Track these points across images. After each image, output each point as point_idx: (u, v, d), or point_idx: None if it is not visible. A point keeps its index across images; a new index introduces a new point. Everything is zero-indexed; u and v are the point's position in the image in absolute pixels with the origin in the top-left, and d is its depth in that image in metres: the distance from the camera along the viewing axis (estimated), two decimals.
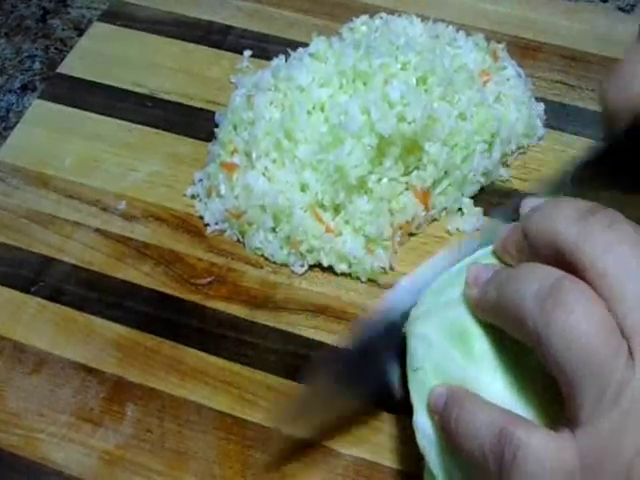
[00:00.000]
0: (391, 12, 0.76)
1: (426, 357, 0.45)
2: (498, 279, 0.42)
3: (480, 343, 0.43)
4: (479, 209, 0.67)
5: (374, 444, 0.56)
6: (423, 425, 0.44)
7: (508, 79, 0.72)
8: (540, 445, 0.36)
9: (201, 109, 0.75)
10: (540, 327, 0.37)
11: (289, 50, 0.74)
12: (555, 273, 0.38)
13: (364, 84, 0.65)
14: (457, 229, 0.66)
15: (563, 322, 0.36)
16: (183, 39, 0.81)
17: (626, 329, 0.35)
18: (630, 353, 0.35)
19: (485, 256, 0.47)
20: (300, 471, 0.54)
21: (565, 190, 0.49)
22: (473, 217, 0.66)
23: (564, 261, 0.38)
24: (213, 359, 0.60)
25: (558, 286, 0.37)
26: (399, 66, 0.65)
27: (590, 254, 0.37)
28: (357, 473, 0.54)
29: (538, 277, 0.38)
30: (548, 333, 0.36)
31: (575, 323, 0.35)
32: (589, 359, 0.35)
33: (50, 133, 0.74)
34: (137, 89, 0.77)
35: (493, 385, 0.42)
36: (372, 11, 0.77)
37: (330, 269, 0.64)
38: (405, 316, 0.49)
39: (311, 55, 0.69)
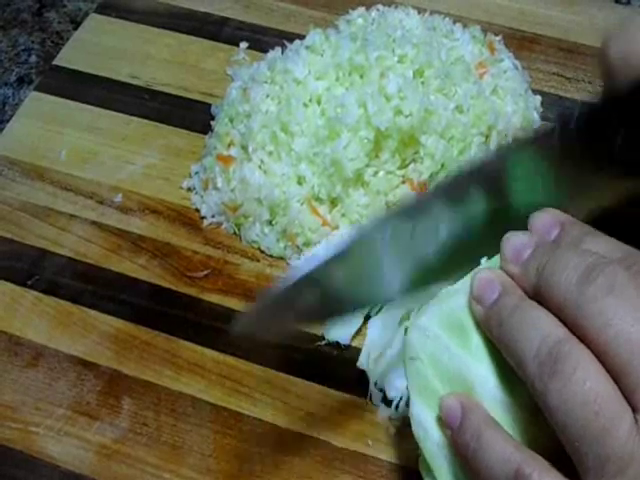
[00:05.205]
0: (387, 4, 0.76)
1: (423, 347, 0.45)
2: (501, 314, 0.40)
3: (478, 335, 0.43)
4: None
5: (371, 437, 0.56)
6: (419, 415, 0.44)
7: (505, 71, 0.72)
8: None
9: (197, 101, 0.75)
10: (539, 392, 0.37)
11: (285, 42, 0.74)
12: (555, 333, 0.37)
13: (361, 77, 0.65)
14: None
15: (560, 391, 0.36)
16: (179, 31, 0.81)
17: (636, 402, 0.35)
18: (637, 424, 0.34)
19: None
20: (297, 465, 0.54)
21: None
22: None
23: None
24: (209, 352, 0.60)
25: (556, 352, 0.36)
26: (396, 59, 0.65)
27: (591, 327, 0.36)
28: (354, 467, 0.54)
29: (538, 334, 0.37)
30: (547, 399, 0.36)
31: (572, 393, 0.35)
32: (588, 427, 0.35)
33: (46, 125, 0.74)
34: (133, 81, 0.77)
35: (488, 380, 0.42)
36: (368, 3, 0.76)
37: None
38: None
39: (307, 47, 0.69)
